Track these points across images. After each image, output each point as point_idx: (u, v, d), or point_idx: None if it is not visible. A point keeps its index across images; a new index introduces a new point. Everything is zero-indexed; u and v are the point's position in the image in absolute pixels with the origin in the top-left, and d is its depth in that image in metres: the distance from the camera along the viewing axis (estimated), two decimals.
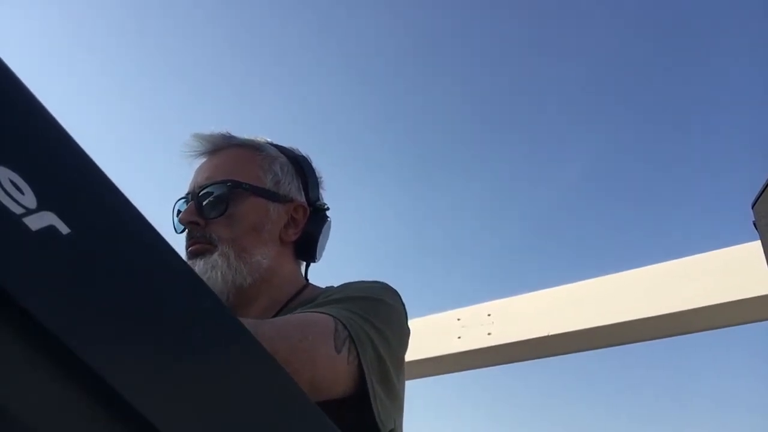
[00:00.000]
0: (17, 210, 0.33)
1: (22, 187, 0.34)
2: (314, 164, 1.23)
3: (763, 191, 1.35)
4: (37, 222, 0.34)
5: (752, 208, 1.39)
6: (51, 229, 0.35)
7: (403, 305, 1.07)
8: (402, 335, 1.03)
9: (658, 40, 3.01)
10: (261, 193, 1.11)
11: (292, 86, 3.48)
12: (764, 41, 2.70)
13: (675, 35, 3.00)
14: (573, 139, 3.20)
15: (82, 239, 0.36)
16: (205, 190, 1.09)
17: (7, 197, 0.33)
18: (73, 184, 0.38)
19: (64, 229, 0.35)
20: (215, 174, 1.11)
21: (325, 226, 1.18)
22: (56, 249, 0.35)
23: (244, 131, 1.19)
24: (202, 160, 1.16)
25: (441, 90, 3.38)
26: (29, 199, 0.34)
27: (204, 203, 1.08)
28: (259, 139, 1.20)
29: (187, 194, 1.13)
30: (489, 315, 2.37)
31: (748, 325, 2.02)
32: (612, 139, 3.17)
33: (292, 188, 1.15)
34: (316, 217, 1.17)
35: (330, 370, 0.86)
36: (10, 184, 0.33)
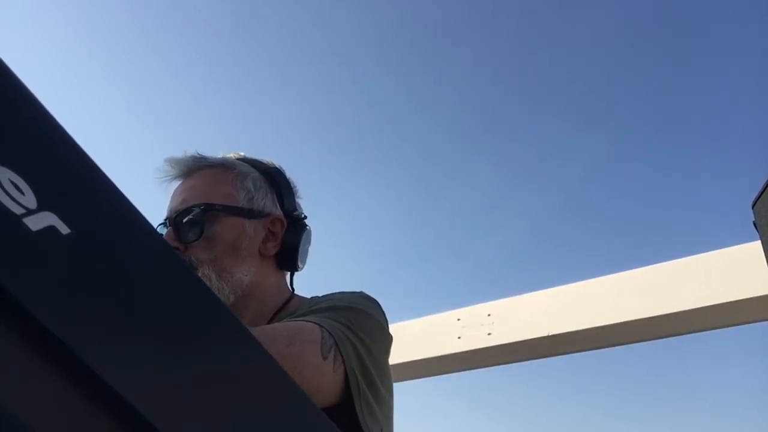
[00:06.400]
0: (17, 210, 0.33)
1: (22, 188, 0.34)
2: (288, 174, 1.24)
3: (763, 191, 1.35)
4: (37, 222, 0.34)
5: (752, 208, 1.39)
6: (51, 230, 0.35)
7: (384, 314, 1.10)
8: (384, 343, 1.06)
9: (658, 41, 3.02)
10: (235, 211, 1.12)
11: (289, 89, 3.48)
12: (764, 41, 2.70)
13: (675, 36, 3.00)
14: (573, 141, 3.20)
15: (82, 240, 0.37)
16: (179, 215, 1.11)
17: (7, 197, 0.33)
18: (74, 184, 0.38)
19: (64, 230, 0.35)
20: (189, 197, 1.12)
21: (305, 235, 1.19)
22: (56, 249, 0.35)
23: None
24: (177, 183, 1.18)
25: (440, 91, 3.38)
26: (29, 200, 0.34)
27: (181, 228, 1.10)
28: (231, 155, 1.22)
29: (165, 219, 1.15)
30: (489, 315, 2.37)
31: (748, 325, 2.03)
32: (612, 141, 3.17)
33: (267, 202, 1.16)
34: (295, 227, 1.18)
35: (317, 377, 0.88)
36: (10, 184, 0.33)
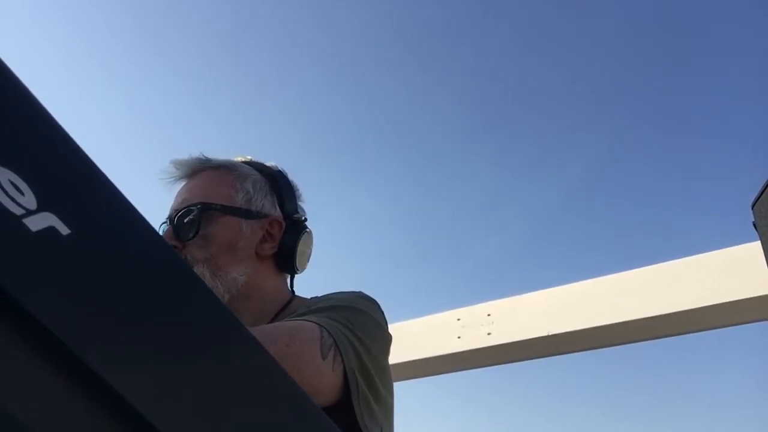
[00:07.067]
0: (17, 211, 0.33)
1: (22, 188, 0.34)
2: (291, 178, 1.25)
3: (763, 191, 1.35)
4: (37, 223, 0.34)
5: (752, 208, 1.39)
6: (51, 230, 0.35)
7: (383, 314, 1.10)
8: (383, 343, 1.06)
9: (658, 41, 3.01)
10: (232, 211, 1.13)
11: (289, 89, 3.48)
12: (764, 41, 2.70)
13: (675, 36, 3.00)
14: (573, 141, 3.20)
15: (82, 240, 0.37)
16: (179, 214, 1.13)
17: (7, 198, 0.33)
18: (73, 185, 0.38)
19: (64, 230, 0.35)
20: (189, 197, 1.15)
21: (304, 237, 1.20)
22: (56, 250, 0.35)
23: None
24: (182, 184, 1.21)
25: (440, 91, 3.38)
26: (29, 200, 0.34)
27: (179, 226, 1.12)
28: (239, 159, 1.24)
29: (167, 218, 1.17)
30: (489, 315, 2.37)
31: (748, 325, 2.03)
32: (612, 141, 3.17)
33: (266, 203, 1.18)
34: (294, 229, 1.19)
35: (316, 376, 0.88)
36: (10, 184, 0.33)
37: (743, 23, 2.81)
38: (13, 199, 0.33)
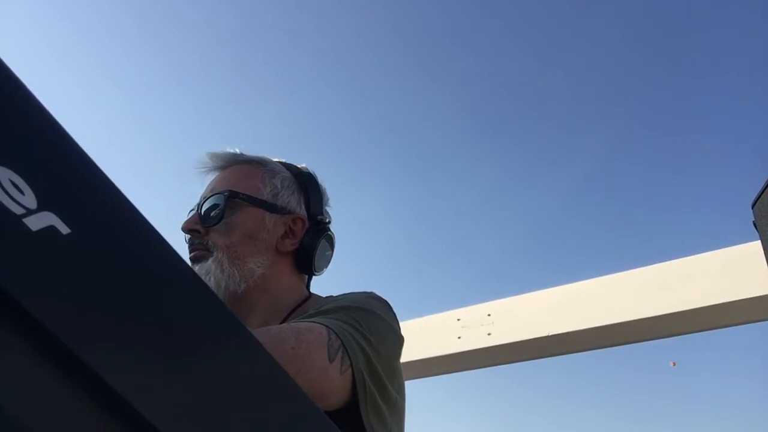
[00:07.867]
0: (17, 210, 0.33)
1: (22, 188, 0.34)
2: (320, 181, 1.28)
3: (763, 191, 1.35)
4: (37, 222, 0.34)
5: (752, 208, 1.39)
6: (51, 230, 0.35)
7: (394, 315, 1.10)
8: (393, 345, 1.06)
9: (657, 44, 3.01)
10: (257, 203, 1.16)
11: (291, 92, 3.47)
12: (764, 41, 2.70)
13: (675, 36, 3.00)
14: (574, 143, 3.20)
15: (83, 239, 0.36)
16: (206, 201, 1.17)
17: (7, 197, 0.33)
18: (74, 184, 0.38)
19: (64, 230, 0.35)
20: (218, 186, 1.19)
21: (324, 239, 1.21)
22: (56, 249, 0.35)
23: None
24: (214, 175, 1.24)
25: (441, 95, 3.38)
26: (29, 200, 0.34)
27: (204, 212, 1.16)
28: (274, 160, 1.27)
29: (195, 205, 1.20)
30: (489, 315, 2.37)
31: (748, 325, 2.03)
32: (613, 142, 3.18)
33: (292, 201, 1.20)
34: (316, 229, 1.21)
35: (323, 379, 0.88)
36: (10, 184, 0.33)
37: (743, 23, 2.81)
38: (13, 199, 0.33)
